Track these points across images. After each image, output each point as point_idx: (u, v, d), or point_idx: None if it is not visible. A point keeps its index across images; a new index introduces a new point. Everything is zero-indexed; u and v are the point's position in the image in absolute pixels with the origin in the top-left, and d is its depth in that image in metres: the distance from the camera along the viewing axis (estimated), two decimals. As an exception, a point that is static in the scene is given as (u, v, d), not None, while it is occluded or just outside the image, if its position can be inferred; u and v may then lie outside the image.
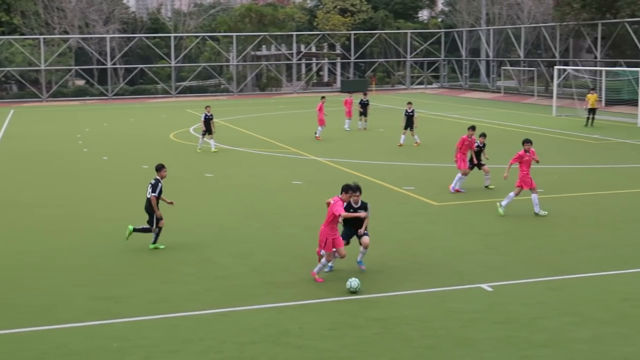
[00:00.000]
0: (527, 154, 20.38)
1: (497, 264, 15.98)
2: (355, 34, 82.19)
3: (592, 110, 42.91)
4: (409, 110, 35.06)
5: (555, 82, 52.30)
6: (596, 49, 62.60)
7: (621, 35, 60.89)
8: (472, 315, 12.84)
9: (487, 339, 11.82)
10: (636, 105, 44.44)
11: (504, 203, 20.43)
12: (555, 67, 53.81)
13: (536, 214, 20.19)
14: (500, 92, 72.15)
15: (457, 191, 23.34)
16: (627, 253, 16.61)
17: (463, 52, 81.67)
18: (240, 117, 49.42)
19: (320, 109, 37.66)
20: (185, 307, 13.44)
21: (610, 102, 52.25)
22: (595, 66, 60.95)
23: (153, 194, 17.07)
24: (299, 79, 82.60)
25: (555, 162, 28.62)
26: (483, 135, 24.19)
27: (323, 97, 39.66)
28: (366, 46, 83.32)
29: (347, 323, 12.62)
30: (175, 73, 77.17)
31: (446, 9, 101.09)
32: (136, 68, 77.76)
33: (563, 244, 17.50)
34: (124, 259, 16.69)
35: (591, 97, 43.29)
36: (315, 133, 37.69)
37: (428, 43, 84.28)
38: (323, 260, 14.83)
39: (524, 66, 72.65)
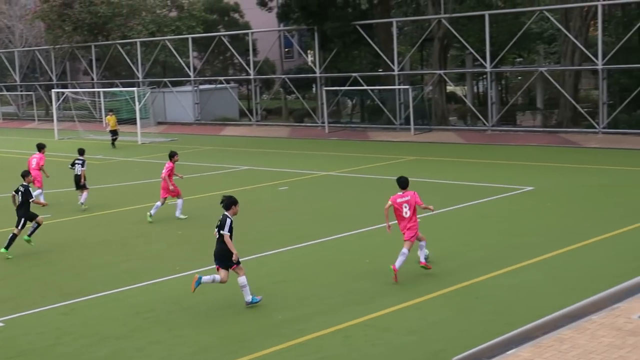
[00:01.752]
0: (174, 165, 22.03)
1: (8, 296, 15.36)
2: None
3: (113, 132, 43.55)
4: None
5: (55, 105, 51.86)
6: (92, 70, 63.55)
7: (115, 56, 62.63)
8: (-16, 354, 12.17)
9: (1, 377, 11.28)
10: (135, 123, 46.08)
11: (152, 211, 21.80)
12: (53, 90, 53.38)
13: (178, 218, 21.95)
14: (-2, 119, 69.65)
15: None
16: (135, 267, 17.10)
17: (-46, 79, 77.24)
18: None
19: None
20: None
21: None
22: (93, 87, 61.89)
23: (33, 199, 18.86)
24: None
25: (59, 185, 28.11)
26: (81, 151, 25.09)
27: None
28: None
29: None
30: None
31: None
32: None
33: (74, 267, 17.43)
34: None
35: (111, 119, 43.93)
36: None
37: None
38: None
39: (21, 91, 71.00)
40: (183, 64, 58.57)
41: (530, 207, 21.86)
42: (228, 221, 13.64)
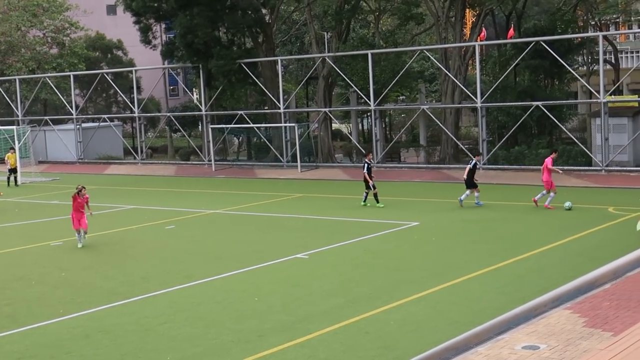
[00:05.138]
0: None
1: None
2: None
3: (13, 170, 42.30)
4: None
5: None
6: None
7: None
8: None
9: None
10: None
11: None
12: None
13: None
14: None
15: None
16: (16, 311, 16.49)
17: None
18: None
19: None
20: None
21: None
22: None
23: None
24: None
25: None
26: None
27: None
28: None
29: None
30: None
31: None
32: None
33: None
34: None
35: (11, 157, 42.55)
36: None
37: None
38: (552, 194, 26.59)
39: None
40: (65, 102, 57.33)
41: (415, 242, 22.29)
42: (473, 162, 28.14)
